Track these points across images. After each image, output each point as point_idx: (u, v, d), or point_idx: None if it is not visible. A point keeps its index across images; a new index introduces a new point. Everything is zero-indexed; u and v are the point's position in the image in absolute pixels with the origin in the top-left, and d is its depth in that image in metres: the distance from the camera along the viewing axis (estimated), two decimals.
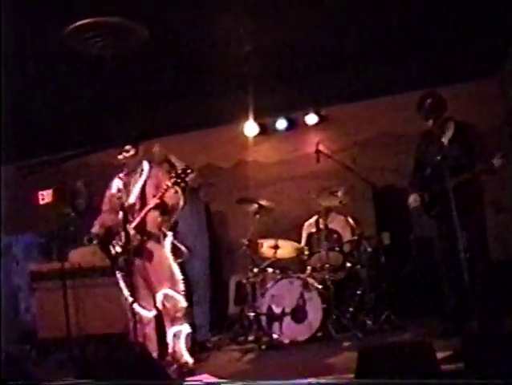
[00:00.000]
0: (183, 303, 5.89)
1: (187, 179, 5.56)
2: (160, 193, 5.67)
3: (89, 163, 9.51)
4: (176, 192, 5.72)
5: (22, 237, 8.92)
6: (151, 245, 5.86)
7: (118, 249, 5.78)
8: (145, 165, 6.08)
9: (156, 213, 5.80)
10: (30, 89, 7.07)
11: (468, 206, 5.47)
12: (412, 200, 6.12)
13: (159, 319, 5.94)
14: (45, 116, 8.06)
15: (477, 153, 5.74)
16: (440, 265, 6.04)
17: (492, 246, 7.26)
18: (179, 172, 5.55)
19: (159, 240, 5.91)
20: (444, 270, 5.98)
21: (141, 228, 5.78)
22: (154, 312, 5.87)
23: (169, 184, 5.57)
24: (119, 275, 5.87)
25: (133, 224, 5.73)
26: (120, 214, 5.71)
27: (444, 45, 7.14)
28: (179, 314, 5.84)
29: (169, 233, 6.02)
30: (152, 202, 5.70)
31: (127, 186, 5.97)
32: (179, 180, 5.53)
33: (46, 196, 8.75)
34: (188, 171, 5.56)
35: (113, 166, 6.23)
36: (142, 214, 5.74)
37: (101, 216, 6.23)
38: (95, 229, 6.07)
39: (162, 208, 5.76)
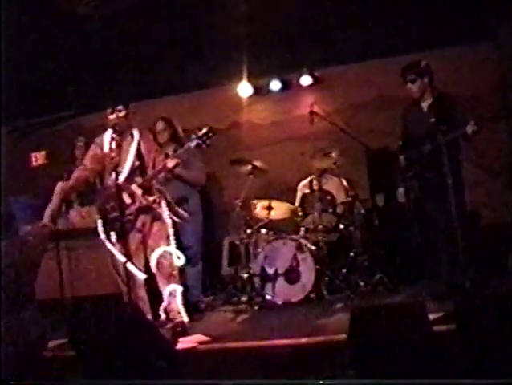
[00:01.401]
0: (180, 261, 5.91)
1: (208, 142, 5.54)
2: (175, 155, 5.67)
3: (81, 124, 9.45)
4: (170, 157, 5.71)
5: (16, 198, 8.89)
6: (155, 205, 5.86)
7: (114, 210, 5.75)
8: (135, 131, 6.01)
9: (163, 174, 5.79)
10: (21, 51, 6.98)
11: (448, 170, 5.53)
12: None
13: (151, 281, 5.95)
14: (37, 78, 7.98)
15: (455, 120, 5.78)
16: (432, 227, 6.08)
17: (482, 209, 7.33)
18: (201, 134, 5.52)
19: (161, 200, 5.92)
20: (436, 233, 6.02)
21: (149, 188, 5.78)
22: (145, 275, 5.87)
23: (192, 145, 5.56)
24: (112, 236, 5.85)
25: (140, 186, 5.71)
26: (113, 174, 5.66)
27: (441, 8, 7.07)
28: (175, 272, 5.86)
29: (167, 196, 6.01)
30: (170, 163, 5.68)
31: (119, 147, 5.89)
32: (201, 142, 5.52)
33: (39, 158, 8.73)
34: (211, 134, 5.53)
35: (106, 128, 6.18)
36: (149, 176, 5.74)
37: (80, 171, 6.14)
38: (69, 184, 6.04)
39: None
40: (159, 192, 5.90)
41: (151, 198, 5.77)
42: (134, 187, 5.69)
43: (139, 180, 5.76)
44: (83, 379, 3.37)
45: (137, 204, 5.72)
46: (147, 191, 5.76)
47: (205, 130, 5.52)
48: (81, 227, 7.24)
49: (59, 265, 6.55)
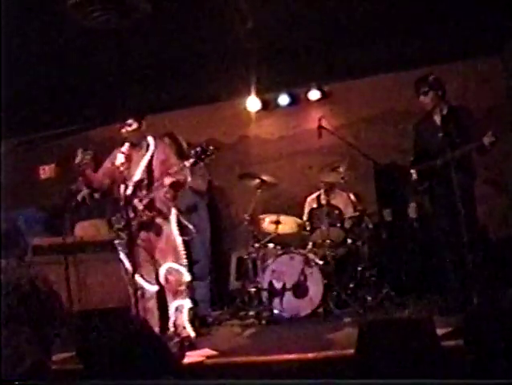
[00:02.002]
0: (186, 277, 5.91)
1: (206, 160, 5.53)
2: (174, 172, 5.66)
3: (91, 138, 9.48)
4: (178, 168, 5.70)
5: (24, 211, 8.92)
6: (158, 220, 5.87)
7: (122, 223, 5.77)
8: (150, 140, 6.03)
9: (164, 190, 5.78)
10: (32, 62, 7.03)
11: (460, 184, 5.51)
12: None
13: (161, 294, 5.96)
14: (47, 91, 8.02)
15: (468, 132, 5.79)
16: (440, 242, 6.07)
17: (490, 224, 7.31)
18: (199, 152, 5.48)
19: (166, 216, 5.91)
20: (445, 247, 6.00)
21: (150, 204, 5.78)
22: (156, 287, 5.89)
23: (187, 164, 5.55)
24: (121, 249, 5.87)
25: (144, 201, 5.71)
26: (122, 188, 5.70)
27: (449, 22, 7.09)
28: (182, 288, 5.85)
29: (174, 210, 6.02)
30: (168, 180, 5.68)
31: (129, 160, 5.92)
32: (198, 161, 5.51)
33: (47, 171, 8.76)
34: (209, 152, 5.49)
35: (115, 141, 6.20)
36: (152, 190, 5.73)
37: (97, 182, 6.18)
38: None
39: (173, 186, 5.76)
40: (164, 206, 5.90)
41: (150, 214, 5.77)
42: (136, 201, 5.71)
43: (143, 193, 5.77)
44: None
45: (139, 219, 5.74)
46: (149, 205, 5.77)
47: (199, 149, 5.47)
48: (89, 240, 7.26)
49: (67, 277, 6.55)
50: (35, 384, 3.07)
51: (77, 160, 5.83)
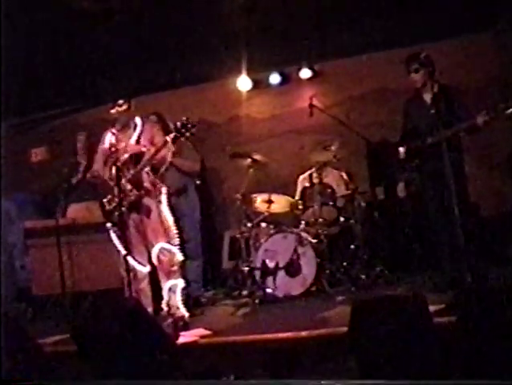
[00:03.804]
0: (179, 257, 5.92)
1: (187, 134, 5.48)
2: (156, 148, 5.64)
3: (82, 119, 9.44)
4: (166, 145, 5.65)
5: (15, 194, 8.90)
6: (147, 200, 5.86)
7: (112, 204, 5.76)
8: (138, 120, 6.03)
9: (147, 167, 5.78)
10: (19, 45, 6.96)
11: (451, 162, 5.51)
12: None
13: (154, 275, 5.97)
14: (37, 73, 7.96)
15: (459, 111, 5.79)
16: (433, 219, 6.08)
17: (482, 201, 7.32)
18: (179, 126, 5.42)
19: (155, 195, 5.90)
20: (437, 225, 6.02)
21: (137, 183, 5.76)
22: (149, 268, 5.90)
23: (168, 139, 5.52)
24: (113, 231, 5.87)
25: (129, 179, 5.71)
26: (113, 169, 5.70)
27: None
28: (175, 268, 5.87)
29: (164, 189, 6.01)
30: (147, 156, 5.68)
31: (119, 141, 5.92)
32: (178, 135, 5.47)
33: (38, 154, 8.74)
34: (189, 125, 5.43)
35: (106, 122, 6.19)
36: (137, 169, 5.72)
37: (92, 169, 6.19)
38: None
39: (155, 163, 5.76)
40: (153, 184, 5.90)
41: (137, 192, 5.76)
42: (124, 181, 5.70)
43: (131, 173, 5.76)
44: (85, 378, 3.38)
45: (128, 199, 5.73)
46: (136, 184, 5.75)
47: (179, 123, 5.42)
48: (82, 222, 7.25)
49: (60, 260, 6.55)
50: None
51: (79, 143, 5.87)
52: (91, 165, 6.17)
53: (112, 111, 5.91)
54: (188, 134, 5.44)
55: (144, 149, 5.81)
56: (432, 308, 3.68)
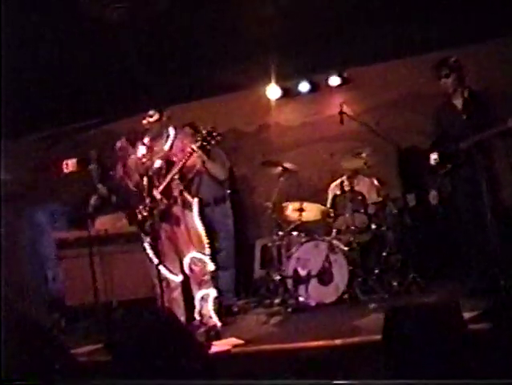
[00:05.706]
0: (210, 266, 5.93)
1: (213, 142, 5.51)
2: (185, 157, 5.66)
3: (114, 130, 9.50)
4: (195, 154, 5.67)
5: (47, 205, 8.98)
6: (177, 209, 5.87)
7: (144, 214, 5.79)
8: (171, 130, 6.05)
9: (176, 176, 5.80)
10: (49, 57, 7.03)
11: (484, 167, 5.48)
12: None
13: (186, 284, 5.98)
14: (68, 85, 8.04)
15: (490, 116, 5.74)
16: (465, 225, 6.02)
17: None
18: (204, 134, 5.49)
19: (186, 204, 5.92)
20: (470, 230, 5.96)
21: (167, 192, 5.78)
22: (181, 277, 5.92)
23: (195, 147, 5.54)
24: (145, 240, 5.89)
25: (160, 189, 5.74)
26: (145, 179, 5.73)
27: (469, 3, 7.01)
28: (206, 278, 5.88)
29: (195, 199, 6.02)
30: (177, 166, 5.70)
31: (151, 151, 5.95)
32: (205, 144, 5.49)
33: (70, 165, 8.79)
34: (215, 134, 5.48)
35: (137, 133, 6.22)
36: (168, 178, 5.74)
37: (122, 180, 6.20)
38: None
39: (184, 172, 5.77)
40: (183, 194, 5.91)
41: (167, 202, 5.78)
42: (155, 192, 5.73)
43: (161, 183, 5.78)
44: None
45: (159, 209, 5.75)
46: (166, 194, 5.77)
47: (204, 131, 5.49)
48: (113, 232, 7.30)
49: (93, 270, 6.60)
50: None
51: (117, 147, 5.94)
52: (121, 176, 6.19)
53: (144, 121, 5.94)
54: (213, 142, 5.47)
55: (174, 159, 5.82)
56: (466, 315, 3.65)
